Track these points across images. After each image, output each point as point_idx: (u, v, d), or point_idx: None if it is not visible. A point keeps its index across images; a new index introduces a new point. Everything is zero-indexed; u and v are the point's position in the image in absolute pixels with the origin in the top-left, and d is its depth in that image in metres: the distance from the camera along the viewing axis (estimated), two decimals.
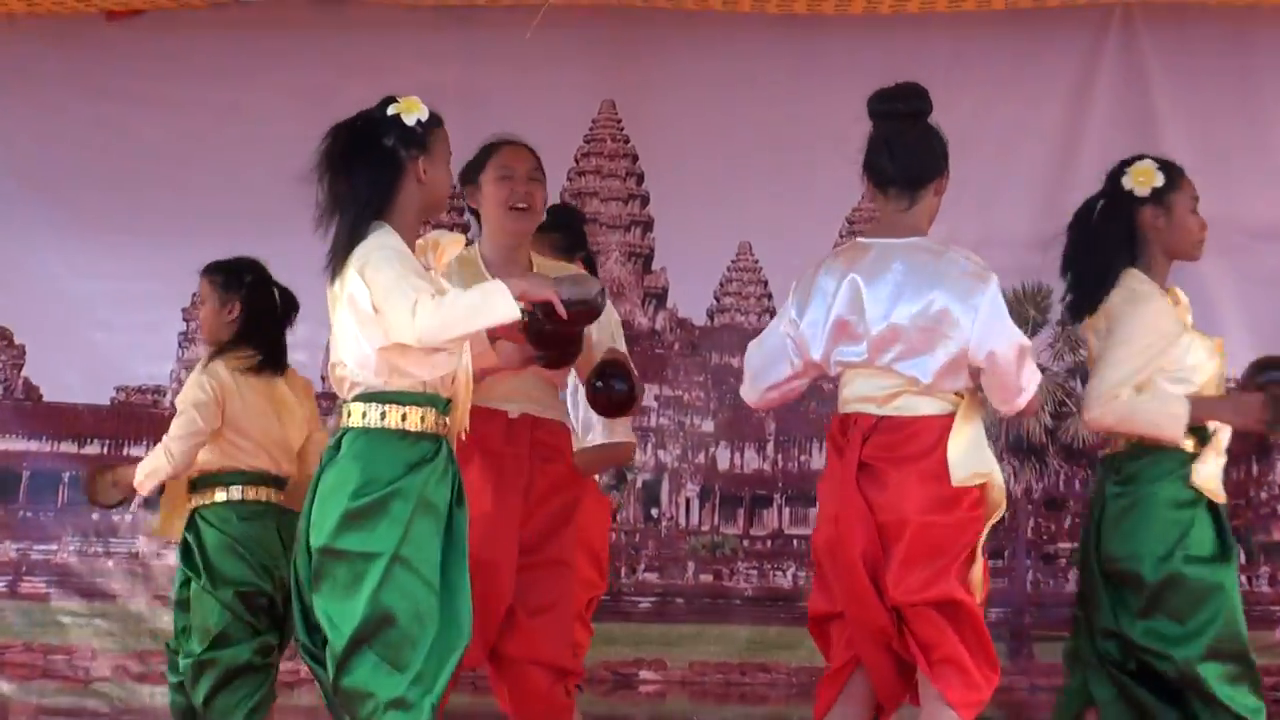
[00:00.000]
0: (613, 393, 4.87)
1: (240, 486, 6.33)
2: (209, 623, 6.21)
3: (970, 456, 4.71)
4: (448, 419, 4.52)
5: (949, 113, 8.46)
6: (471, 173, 5.14)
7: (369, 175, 4.48)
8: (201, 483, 6.35)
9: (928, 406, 4.73)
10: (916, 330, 4.68)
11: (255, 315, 6.40)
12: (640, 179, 8.69)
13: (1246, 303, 8.04)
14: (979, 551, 4.75)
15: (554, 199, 6.26)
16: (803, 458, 8.58)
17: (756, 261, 8.62)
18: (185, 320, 8.58)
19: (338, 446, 4.50)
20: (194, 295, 7.06)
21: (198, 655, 6.20)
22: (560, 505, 5.10)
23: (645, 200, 8.70)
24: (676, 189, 8.51)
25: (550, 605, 5.01)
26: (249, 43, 8.41)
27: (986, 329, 4.69)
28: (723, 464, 8.61)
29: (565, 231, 6.04)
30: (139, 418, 8.52)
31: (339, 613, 4.37)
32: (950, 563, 4.68)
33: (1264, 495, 8.40)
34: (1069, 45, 8.33)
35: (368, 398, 4.47)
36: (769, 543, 8.54)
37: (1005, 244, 7.77)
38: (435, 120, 4.59)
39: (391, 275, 4.34)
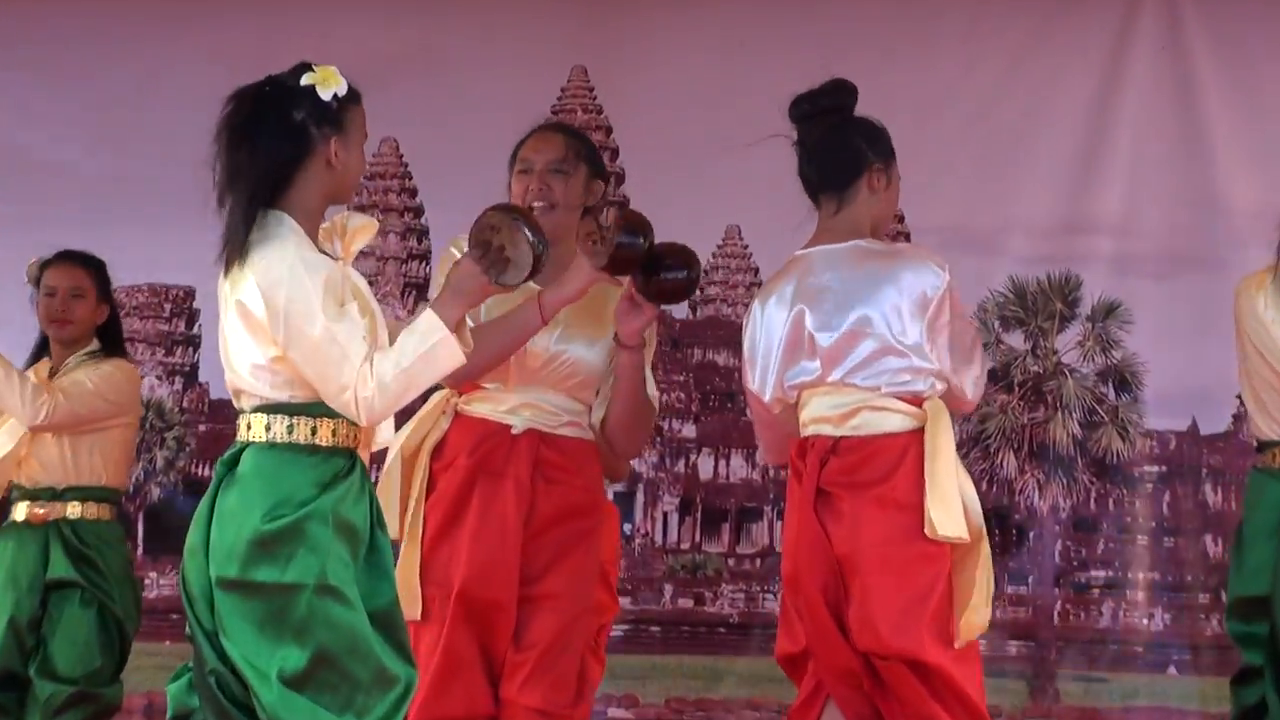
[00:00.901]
0: (665, 282, 4.78)
1: None
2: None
3: (952, 505, 4.59)
4: (359, 431, 4.25)
5: (965, 88, 7.99)
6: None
7: (271, 151, 4.18)
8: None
9: (889, 422, 4.66)
10: (866, 337, 4.68)
11: (114, 318, 6.46)
12: (615, 154, 8.44)
13: None
14: (981, 582, 4.62)
15: None
16: None
17: (745, 247, 8.44)
18: None
19: (234, 463, 4.22)
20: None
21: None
22: (563, 535, 4.94)
23: (620, 178, 8.44)
24: (655, 166, 8.26)
25: (536, 643, 4.88)
26: (170, 3, 8.19)
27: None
28: (705, 473, 8.39)
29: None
30: None
31: (262, 656, 4.11)
32: (916, 606, 4.56)
33: None
34: (1098, 11, 8.09)
35: (271, 409, 4.21)
36: (758, 562, 8.29)
37: (1027, 231, 7.86)
38: (353, 96, 4.27)
39: (320, 328, 4.08)
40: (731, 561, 8.24)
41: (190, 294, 8.34)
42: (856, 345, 4.67)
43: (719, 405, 8.29)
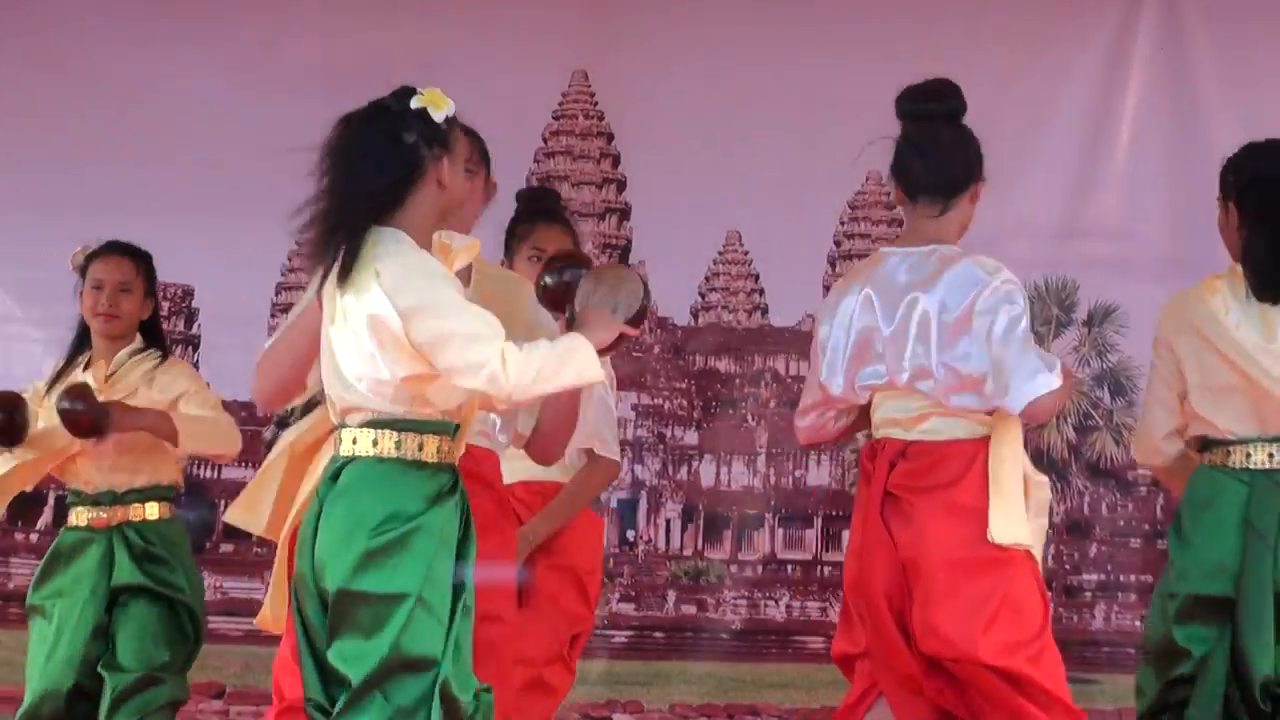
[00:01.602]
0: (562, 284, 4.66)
1: None
2: None
3: (1014, 511, 4.56)
4: (457, 445, 4.39)
5: (966, 88, 7.91)
6: None
7: (385, 172, 4.26)
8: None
9: (958, 429, 4.62)
10: (930, 344, 4.62)
11: (157, 312, 6.27)
12: (616, 161, 8.51)
13: None
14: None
15: (520, 182, 6.41)
16: (798, 472, 8.36)
17: (746, 253, 8.42)
18: None
19: (337, 477, 4.33)
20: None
21: None
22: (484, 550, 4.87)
23: (622, 185, 8.50)
24: (657, 172, 8.26)
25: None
26: (167, 2, 8.13)
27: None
28: (707, 480, 8.39)
29: (565, 223, 5.84)
30: None
31: (356, 654, 4.23)
32: (979, 611, 4.49)
33: None
34: (1100, 14, 8.09)
35: (380, 424, 4.30)
36: (759, 569, 8.29)
37: (1026, 234, 7.75)
38: (457, 118, 4.38)
39: (458, 315, 4.20)
40: (734, 568, 8.22)
41: (189, 293, 8.31)
42: (918, 353, 4.61)
43: (721, 412, 8.30)
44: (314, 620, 4.32)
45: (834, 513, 8.21)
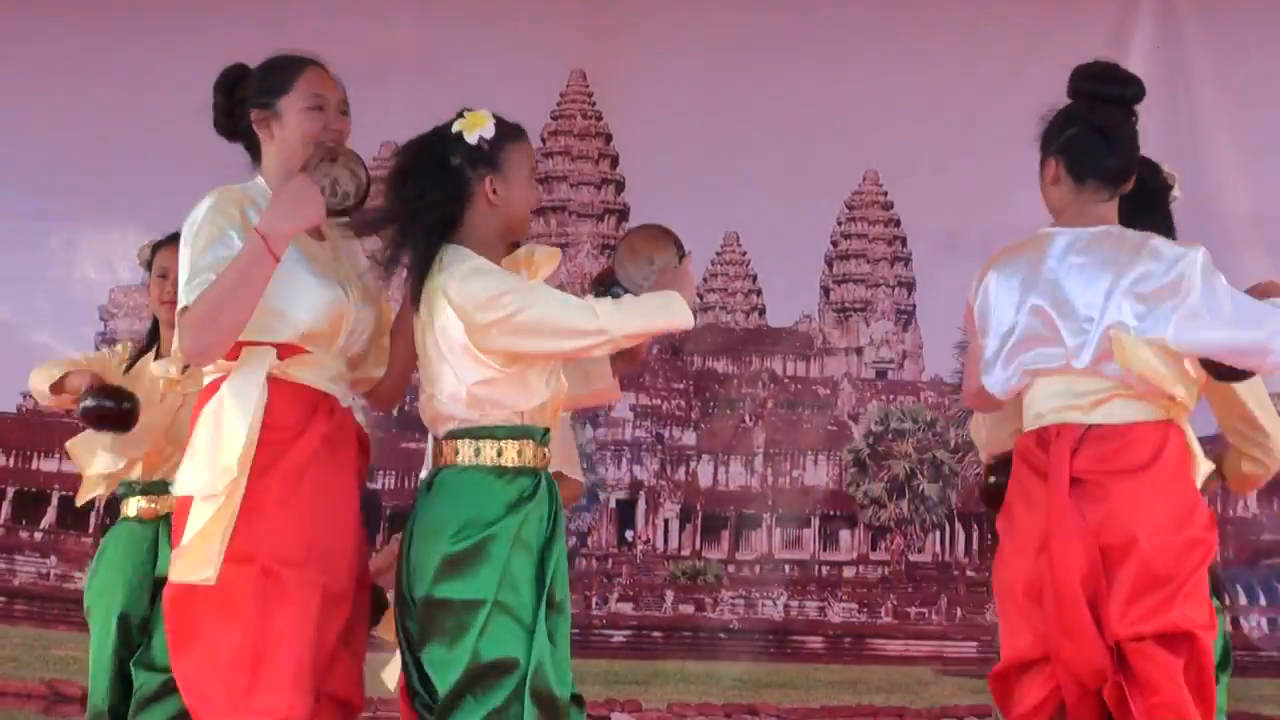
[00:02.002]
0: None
1: None
2: None
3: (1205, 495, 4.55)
4: (546, 450, 4.50)
5: (963, 84, 7.92)
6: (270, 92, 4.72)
7: (435, 196, 4.43)
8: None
9: (1141, 412, 4.48)
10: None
11: None
12: (614, 161, 8.54)
13: None
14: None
15: None
16: (795, 472, 8.33)
17: (744, 254, 8.42)
18: (102, 319, 8.34)
19: (430, 486, 4.49)
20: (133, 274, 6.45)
21: None
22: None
23: (620, 186, 8.53)
24: (655, 173, 8.26)
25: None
26: (160, 3, 8.15)
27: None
28: (705, 480, 8.38)
29: None
30: (49, 428, 8.18)
31: (443, 661, 4.35)
32: (1181, 587, 4.39)
33: None
34: (1096, 11, 8.06)
35: (460, 434, 4.45)
36: (757, 568, 8.28)
37: (1024, 232, 7.38)
38: (509, 134, 4.51)
39: (535, 299, 4.35)
40: (731, 567, 8.21)
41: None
42: (1103, 332, 4.47)
43: (719, 412, 8.29)
44: (410, 626, 4.44)
45: (831, 512, 8.19)
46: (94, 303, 8.21)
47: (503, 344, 4.34)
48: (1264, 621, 7.92)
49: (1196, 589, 4.41)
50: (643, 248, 4.66)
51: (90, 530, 8.13)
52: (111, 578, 5.87)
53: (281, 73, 4.51)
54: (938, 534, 8.07)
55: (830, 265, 8.32)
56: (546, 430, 4.49)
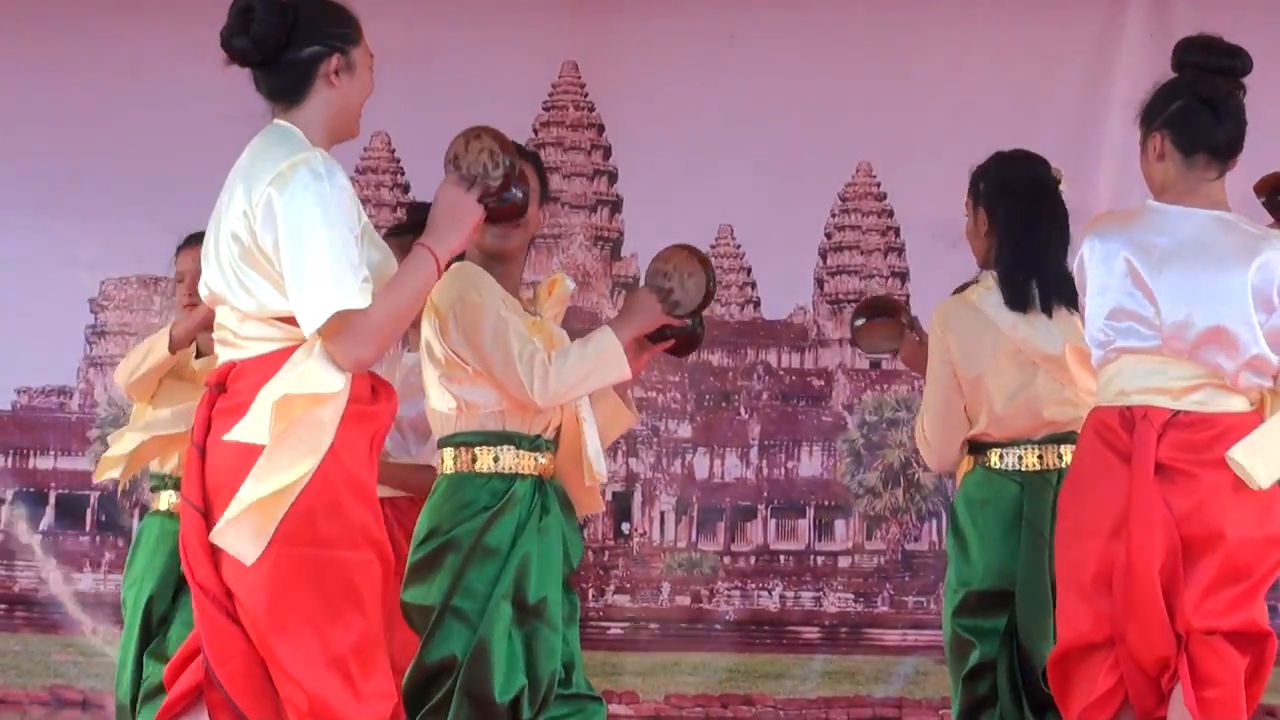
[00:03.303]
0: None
1: None
2: None
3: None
4: (537, 456, 4.56)
5: (955, 76, 7.91)
6: None
7: None
8: None
9: (1233, 403, 4.43)
10: (1228, 315, 4.40)
11: None
12: (607, 153, 8.45)
13: None
14: None
15: None
16: (790, 464, 8.30)
17: (739, 246, 8.35)
18: (93, 312, 8.27)
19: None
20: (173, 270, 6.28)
21: None
22: None
23: (613, 177, 8.45)
24: (648, 164, 8.24)
25: None
26: None
27: None
28: (701, 473, 8.35)
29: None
30: (43, 424, 8.21)
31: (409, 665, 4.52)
32: (1258, 585, 4.42)
33: None
34: (1089, 1, 8.08)
35: (444, 442, 4.59)
36: (753, 560, 8.25)
37: None
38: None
39: (491, 331, 4.46)
40: (727, 559, 8.20)
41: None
42: (1218, 320, 4.40)
43: (714, 405, 8.26)
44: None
45: (826, 503, 8.18)
46: (85, 295, 8.19)
47: (464, 351, 4.48)
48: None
49: (1268, 587, 4.43)
50: (677, 270, 4.68)
51: (87, 529, 8.12)
52: (143, 571, 5.88)
53: (352, 19, 4.14)
54: (934, 522, 8.05)
55: (824, 257, 8.31)
56: (538, 436, 4.53)
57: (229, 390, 3.93)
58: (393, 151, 8.15)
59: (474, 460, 4.48)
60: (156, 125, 7.82)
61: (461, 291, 4.49)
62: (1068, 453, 5.10)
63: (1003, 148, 7.50)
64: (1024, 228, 5.23)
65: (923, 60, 7.82)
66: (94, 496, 8.07)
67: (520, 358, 4.42)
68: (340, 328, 3.78)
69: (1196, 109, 4.50)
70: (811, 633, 8.01)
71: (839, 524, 8.20)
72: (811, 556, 8.13)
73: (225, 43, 4.05)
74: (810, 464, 8.22)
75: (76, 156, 7.97)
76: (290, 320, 3.86)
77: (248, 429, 3.81)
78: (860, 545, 8.15)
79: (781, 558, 8.18)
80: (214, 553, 3.87)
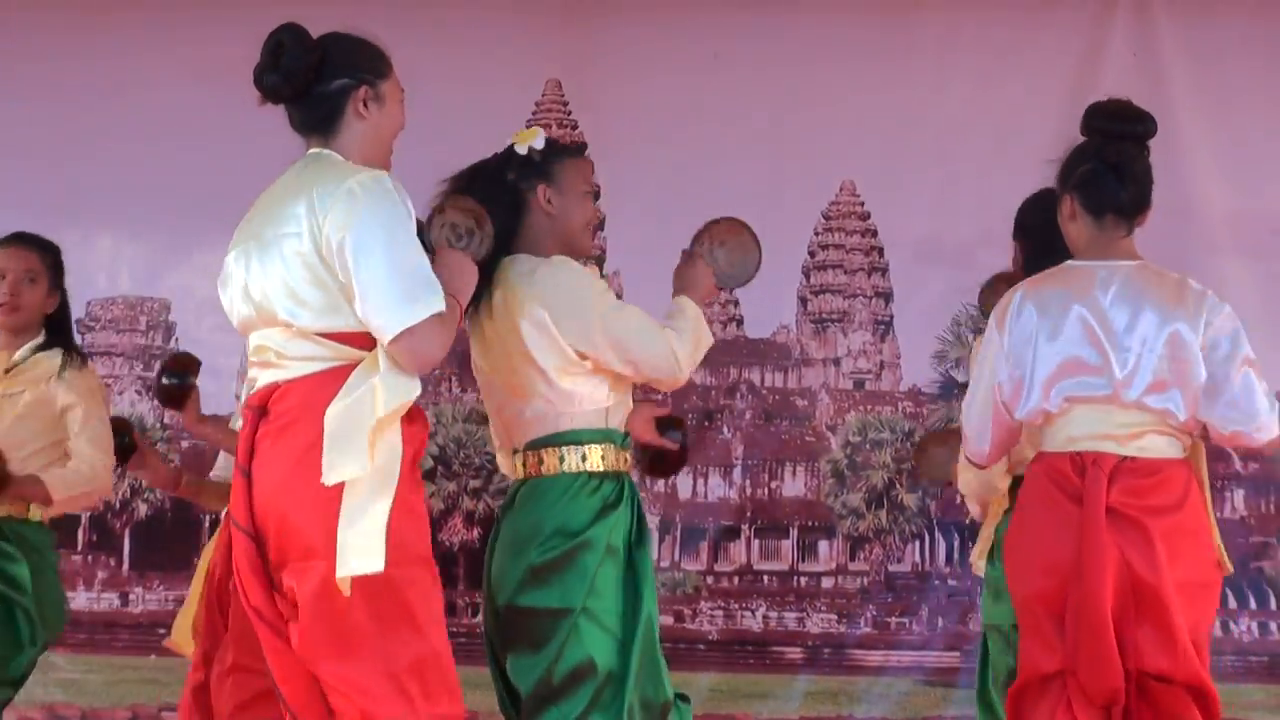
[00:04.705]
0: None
1: None
2: None
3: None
4: (627, 453, 4.55)
5: (940, 98, 7.91)
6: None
7: (494, 209, 4.39)
8: None
9: (1171, 449, 4.60)
10: (1169, 360, 4.58)
11: (64, 307, 6.00)
12: (590, 170, 8.14)
13: (1272, 305, 7.61)
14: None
15: None
16: (774, 484, 8.27)
17: None
18: (80, 333, 7.67)
19: (512, 499, 4.53)
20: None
21: None
22: None
23: (595, 194, 8.11)
24: (631, 182, 8.04)
25: None
26: (141, 14, 8.01)
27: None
28: (684, 492, 8.31)
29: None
30: None
31: (526, 668, 4.40)
32: (1203, 634, 4.59)
33: None
34: (1072, 19, 8.07)
35: (544, 443, 4.49)
36: (736, 580, 8.24)
37: (1001, 243, 6.97)
38: (563, 148, 4.70)
39: (628, 319, 4.48)
40: (710, 579, 8.17)
41: (167, 307, 8.23)
42: (1158, 366, 4.56)
43: (697, 424, 8.21)
44: (492, 635, 4.49)
45: (809, 523, 8.15)
46: (71, 316, 8.15)
47: (586, 344, 4.41)
48: (1254, 625, 7.90)
49: (1208, 631, 4.59)
50: (730, 249, 4.90)
51: (79, 548, 8.09)
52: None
53: (381, 54, 4.29)
54: (917, 544, 8.03)
55: (807, 276, 8.28)
56: (626, 434, 4.52)
57: (272, 413, 3.97)
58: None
59: (584, 459, 4.45)
60: (143, 149, 7.81)
61: (575, 285, 4.47)
62: None
63: (986, 168, 7.59)
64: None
65: (907, 80, 7.81)
66: (85, 516, 8.03)
67: (659, 336, 4.48)
68: (426, 331, 3.88)
69: (1103, 172, 4.70)
70: (794, 653, 7.99)
71: (822, 544, 8.17)
72: (795, 577, 8.11)
73: (257, 80, 4.14)
74: (793, 484, 8.18)
75: (61, 179, 7.94)
76: (341, 338, 3.95)
77: (346, 466, 3.85)
78: (844, 566, 8.12)
79: (765, 578, 8.15)
80: (268, 577, 3.94)
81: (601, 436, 4.47)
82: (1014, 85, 7.93)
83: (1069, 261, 4.72)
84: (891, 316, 8.20)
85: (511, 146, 4.60)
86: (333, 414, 3.87)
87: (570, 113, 8.26)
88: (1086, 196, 4.71)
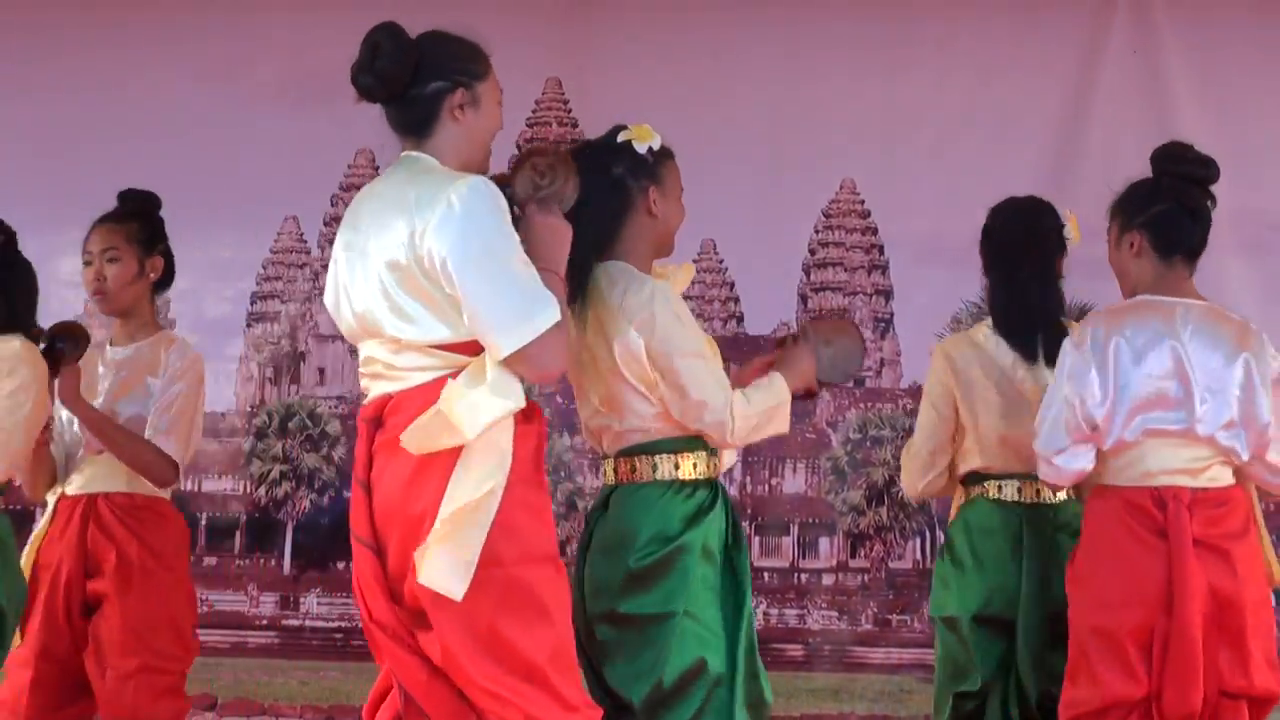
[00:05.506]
0: None
1: None
2: None
3: None
4: (717, 460, 4.53)
5: (940, 95, 7.91)
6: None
7: (597, 205, 4.36)
8: None
9: (1229, 477, 4.82)
10: (1239, 400, 4.77)
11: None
12: None
13: (1273, 302, 7.55)
14: None
15: None
16: (774, 481, 8.25)
17: (721, 262, 8.30)
18: None
19: (604, 505, 4.50)
20: None
21: None
22: None
23: None
24: None
25: None
26: (138, 12, 7.96)
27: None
28: None
29: (144, 221, 5.81)
30: None
31: (633, 675, 4.37)
32: (1273, 647, 4.80)
33: None
34: (1071, 16, 8.02)
35: (636, 450, 4.46)
36: None
37: None
38: (667, 152, 4.61)
39: (701, 364, 4.40)
40: None
41: (165, 304, 7.88)
42: (1231, 404, 4.76)
43: None
44: (585, 642, 4.40)
45: (809, 520, 8.14)
46: (70, 312, 8.09)
47: (652, 373, 4.37)
48: None
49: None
50: (839, 347, 4.75)
51: None
52: None
53: (479, 55, 4.26)
54: (917, 540, 8.01)
55: (808, 273, 8.26)
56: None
57: (388, 424, 3.96)
58: (376, 168, 7.91)
59: (676, 467, 4.42)
60: (140, 147, 7.74)
61: (659, 309, 4.41)
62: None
63: (986, 166, 7.56)
64: (1014, 277, 5.49)
65: (907, 78, 7.77)
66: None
67: (722, 393, 4.40)
68: (541, 347, 3.86)
69: (1178, 214, 4.87)
70: (795, 650, 7.96)
71: (823, 541, 8.14)
72: (795, 574, 8.08)
73: (353, 79, 4.08)
74: (794, 481, 8.15)
75: (59, 176, 7.88)
76: (451, 348, 3.92)
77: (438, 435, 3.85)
78: (844, 563, 8.09)
79: (765, 575, 8.09)
80: (389, 589, 3.92)
81: (693, 445, 4.44)
82: (1014, 83, 7.91)
83: (1143, 296, 4.87)
84: (892, 314, 8.19)
85: (626, 142, 4.52)
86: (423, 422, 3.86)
87: (570, 111, 8.23)
88: (1157, 236, 4.88)
